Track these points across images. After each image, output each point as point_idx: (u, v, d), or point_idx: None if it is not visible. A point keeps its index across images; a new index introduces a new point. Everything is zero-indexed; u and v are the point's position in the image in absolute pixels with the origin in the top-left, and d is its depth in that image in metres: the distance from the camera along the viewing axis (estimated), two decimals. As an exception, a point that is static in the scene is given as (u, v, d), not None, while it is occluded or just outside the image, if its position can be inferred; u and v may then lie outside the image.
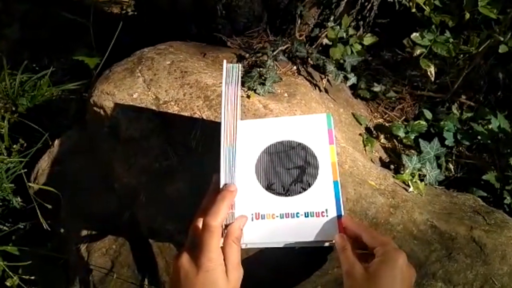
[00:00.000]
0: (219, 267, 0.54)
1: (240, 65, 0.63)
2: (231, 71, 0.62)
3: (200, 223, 0.59)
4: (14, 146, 1.16)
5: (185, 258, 0.56)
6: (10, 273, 0.99)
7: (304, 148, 0.69)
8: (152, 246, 0.82)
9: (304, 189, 0.66)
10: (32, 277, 1.00)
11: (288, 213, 0.65)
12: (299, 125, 0.71)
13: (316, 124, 0.71)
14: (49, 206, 0.94)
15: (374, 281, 0.54)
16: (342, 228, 0.63)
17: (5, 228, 1.04)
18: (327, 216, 0.64)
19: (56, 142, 1.05)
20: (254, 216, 0.64)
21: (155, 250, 0.82)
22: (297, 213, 0.65)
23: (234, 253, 0.57)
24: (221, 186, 0.58)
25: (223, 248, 0.56)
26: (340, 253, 0.59)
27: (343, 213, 0.64)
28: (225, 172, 0.58)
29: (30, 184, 1.01)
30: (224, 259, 0.55)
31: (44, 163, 1.04)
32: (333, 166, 0.68)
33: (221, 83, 0.91)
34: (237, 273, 0.56)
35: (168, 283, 0.59)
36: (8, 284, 0.99)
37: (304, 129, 0.70)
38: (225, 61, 0.63)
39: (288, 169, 0.68)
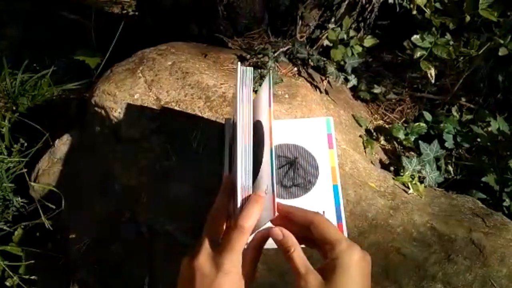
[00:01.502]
0: (239, 270, 0.52)
1: (252, 68, 0.63)
2: (245, 73, 0.61)
3: (222, 224, 0.58)
4: (15, 145, 1.16)
5: (203, 258, 0.53)
6: (10, 272, 0.99)
7: (304, 151, 0.69)
8: (152, 246, 0.82)
9: (304, 192, 0.67)
10: (32, 277, 1.00)
11: None
12: (299, 128, 0.71)
13: (316, 128, 0.71)
14: (51, 206, 0.94)
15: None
16: (342, 231, 0.64)
17: (5, 228, 1.04)
18: None
19: (57, 142, 1.05)
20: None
21: (156, 250, 0.82)
22: None
23: (255, 259, 0.55)
24: (238, 185, 0.57)
25: (243, 252, 0.55)
26: (284, 256, 0.52)
27: (342, 217, 0.64)
28: (242, 172, 0.58)
29: (30, 183, 1.01)
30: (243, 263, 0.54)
31: (44, 163, 1.04)
32: (332, 170, 0.68)
33: (222, 84, 0.91)
34: (252, 278, 0.54)
35: (179, 281, 0.57)
36: (8, 284, 0.99)
37: (304, 133, 0.71)
38: (239, 63, 0.63)
39: (288, 172, 0.68)
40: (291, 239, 0.52)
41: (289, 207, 0.56)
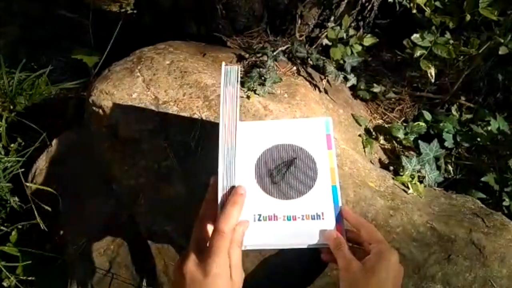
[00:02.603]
0: (226, 272, 0.54)
1: (239, 67, 0.63)
2: (229, 73, 0.62)
3: (207, 227, 0.59)
4: (12, 145, 1.15)
5: (191, 263, 0.55)
6: (8, 273, 0.98)
7: (303, 152, 0.69)
8: (150, 247, 0.82)
9: (303, 193, 0.66)
10: (30, 278, 1.00)
11: (286, 216, 0.65)
12: (298, 128, 0.71)
13: (315, 128, 0.71)
14: (47, 207, 0.94)
15: (371, 276, 0.57)
16: (340, 232, 0.64)
17: (2, 228, 1.04)
18: (325, 220, 0.64)
19: (54, 141, 1.05)
20: (253, 219, 0.64)
21: (154, 251, 0.82)
22: (296, 216, 0.65)
23: (238, 257, 0.57)
24: (219, 187, 0.57)
25: (228, 253, 0.56)
26: (335, 250, 0.61)
27: (342, 218, 0.64)
28: (223, 173, 0.58)
29: (27, 184, 1.00)
30: (229, 263, 0.55)
31: (42, 163, 1.03)
32: (331, 171, 0.68)
33: (220, 83, 0.91)
34: (240, 277, 0.57)
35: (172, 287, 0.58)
36: (5, 284, 0.98)
37: (303, 133, 0.70)
38: (223, 63, 0.63)
39: (287, 173, 0.68)
40: (341, 238, 0.62)
41: (344, 213, 0.65)
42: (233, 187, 0.59)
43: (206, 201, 0.62)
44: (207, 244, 0.56)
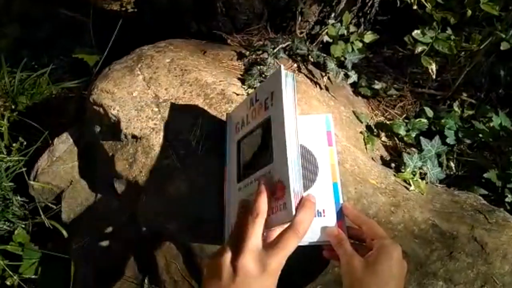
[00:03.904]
0: (279, 272, 0.54)
1: (294, 74, 0.63)
2: (287, 77, 0.61)
3: (262, 226, 0.57)
4: (14, 144, 1.16)
5: (249, 257, 0.53)
6: (10, 272, 0.98)
7: (303, 149, 0.69)
8: (152, 245, 0.82)
9: (304, 190, 0.66)
10: (33, 276, 1.00)
11: None
12: (298, 125, 0.71)
13: (315, 125, 0.71)
14: (50, 205, 0.94)
15: (373, 271, 0.57)
16: (341, 228, 0.64)
17: (5, 227, 1.04)
18: (326, 217, 0.64)
19: (56, 140, 1.05)
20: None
21: (156, 249, 0.82)
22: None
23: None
24: (291, 191, 0.56)
25: None
26: (336, 246, 0.62)
27: (343, 215, 0.64)
28: (293, 176, 0.57)
29: (30, 182, 1.01)
30: None
31: (44, 162, 1.03)
32: (332, 168, 0.68)
33: (221, 81, 0.91)
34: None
35: (210, 283, 0.56)
36: (8, 283, 0.99)
37: (304, 130, 0.70)
38: (282, 66, 0.63)
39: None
40: (343, 234, 0.63)
41: (345, 209, 0.66)
42: (301, 192, 0.58)
43: (259, 200, 0.58)
44: (268, 241, 0.56)
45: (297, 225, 0.55)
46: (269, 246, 0.54)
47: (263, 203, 0.57)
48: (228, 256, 0.54)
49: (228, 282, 0.53)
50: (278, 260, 0.53)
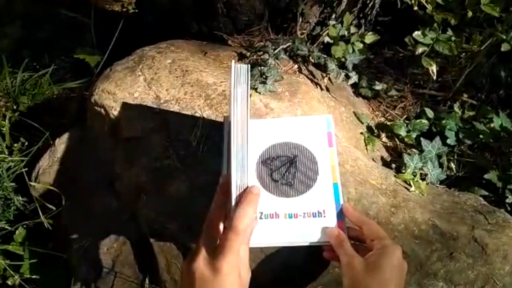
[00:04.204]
0: (236, 270, 0.54)
1: (248, 66, 0.62)
2: (240, 71, 0.61)
3: (218, 226, 0.58)
4: (15, 144, 1.16)
5: (201, 261, 0.54)
6: (12, 272, 0.99)
7: (304, 150, 0.69)
8: (153, 245, 0.82)
9: (304, 191, 0.66)
10: (34, 276, 1.00)
11: (288, 214, 0.65)
12: (299, 126, 0.71)
13: (316, 126, 0.71)
14: (50, 206, 0.94)
15: (374, 271, 0.57)
16: (342, 229, 0.64)
17: (6, 227, 1.04)
18: (326, 217, 0.65)
19: (57, 141, 1.05)
20: (256, 217, 0.64)
21: (156, 249, 0.82)
22: (297, 214, 0.65)
23: (247, 255, 0.57)
24: (232, 186, 0.57)
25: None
26: (337, 247, 0.61)
27: (343, 216, 0.65)
28: (236, 172, 0.57)
29: (31, 183, 1.01)
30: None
31: (45, 162, 1.03)
32: (332, 169, 0.68)
33: (222, 81, 0.91)
34: (248, 274, 0.57)
35: (181, 285, 0.57)
36: (9, 283, 0.99)
37: (304, 131, 0.70)
38: (233, 61, 0.63)
39: (288, 171, 0.68)
40: (343, 235, 0.63)
41: (345, 210, 0.65)
42: (246, 186, 0.58)
43: (215, 200, 0.61)
44: (217, 242, 0.56)
45: (234, 222, 0.54)
46: (217, 248, 0.55)
47: (213, 203, 0.59)
48: (186, 262, 0.56)
49: (188, 283, 0.55)
50: (227, 260, 0.53)
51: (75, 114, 1.25)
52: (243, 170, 0.57)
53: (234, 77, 0.60)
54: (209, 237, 0.58)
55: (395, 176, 0.89)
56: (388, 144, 1.03)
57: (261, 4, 1.06)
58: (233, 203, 0.56)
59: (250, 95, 0.88)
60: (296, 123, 0.72)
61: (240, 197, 0.57)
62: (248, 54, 1.02)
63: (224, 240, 0.54)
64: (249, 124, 0.71)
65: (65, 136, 1.05)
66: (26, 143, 1.17)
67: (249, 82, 0.61)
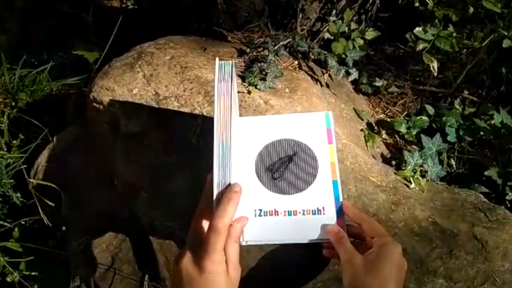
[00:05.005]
0: (222, 268, 0.54)
1: (233, 61, 0.62)
2: (223, 67, 0.61)
3: (203, 224, 0.59)
4: (14, 141, 1.16)
5: (187, 260, 0.55)
6: (11, 269, 0.99)
7: (303, 147, 0.69)
8: (152, 243, 0.82)
9: (304, 188, 0.66)
10: (33, 273, 1.00)
11: (287, 211, 0.65)
12: (298, 123, 0.71)
13: (315, 123, 0.70)
14: (50, 203, 0.94)
15: (374, 269, 0.57)
16: (341, 226, 0.63)
17: (5, 224, 1.04)
18: (326, 214, 0.64)
19: (56, 137, 1.05)
20: (254, 214, 0.64)
21: (155, 246, 0.82)
22: (296, 211, 0.65)
23: (235, 253, 0.57)
24: (214, 184, 0.57)
25: (224, 248, 0.55)
26: (337, 244, 0.61)
27: (343, 213, 0.64)
28: (218, 169, 0.57)
29: (30, 179, 1.01)
30: (226, 260, 0.55)
31: (44, 159, 1.03)
32: (332, 165, 0.67)
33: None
34: (237, 273, 0.57)
35: (170, 284, 0.58)
36: (8, 280, 0.99)
37: (303, 127, 0.70)
38: (217, 58, 0.63)
39: (287, 168, 0.67)
40: (343, 232, 0.62)
41: (345, 208, 0.65)
42: (228, 184, 0.58)
43: (202, 198, 0.62)
44: (203, 241, 0.56)
45: (214, 221, 0.54)
46: (201, 247, 0.55)
47: (200, 201, 0.60)
48: (175, 261, 0.57)
49: (177, 283, 0.55)
50: (212, 260, 0.53)
51: (74, 111, 1.24)
52: (224, 168, 0.57)
53: (218, 74, 0.60)
54: (195, 236, 0.58)
55: (395, 173, 0.89)
56: (388, 141, 1.02)
57: (261, 0, 1.05)
58: (215, 201, 0.56)
59: (249, 92, 0.88)
60: (296, 119, 0.72)
61: (221, 196, 0.57)
62: (248, 50, 1.02)
63: (207, 239, 0.54)
64: (246, 121, 0.71)
65: (64, 133, 1.05)
66: (25, 140, 1.16)
67: (235, 78, 0.61)
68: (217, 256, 0.54)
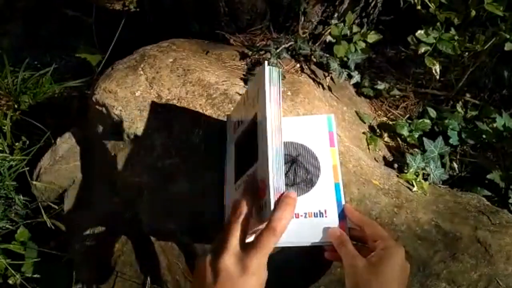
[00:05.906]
0: (264, 273, 0.54)
1: (280, 70, 0.62)
2: (272, 72, 0.60)
3: (247, 224, 0.57)
4: (17, 143, 1.16)
5: (230, 259, 0.53)
6: (13, 271, 0.99)
7: (305, 149, 0.69)
8: (154, 245, 0.82)
9: (306, 191, 0.66)
10: (35, 275, 1.00)
11: None
12: (300, 126, 0.71)
13: (317, 126, 0.70)
14: (52, 205, 0.94)
15: (376, 272, 0.57)
16: (343, 229, 0.63)
17: (8, 226, 1.04)
18: (328, 217, 0.64)
19: (59, 140, 1.05)
20: None
21: (158, 249, 0.82)
22: (298, 214, 0.65)
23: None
24: (271, 188, 0.55)
25: None
26: (339, 247, 0.61)
27: (345, 215, 0.64)
28: (275, 175, 0.56)
29: (32, 182, 1.01)
30: None
31: (46, 161, 1.03)
32: (334, 168, 0.67)
33: (223, 81, 0.90)
34: (266, 276, 0.55)
35: (197, 283, 0.56)
36: (10, 282, 0.99)
37: (306, 130, 0.70)
38: (266, 62, 0.62)
39: (289, 170, 0.68)
40: (345, 235, 0.63)
41: (347, 211, 0.65)
42: (281, 189, 0.57)
43: (243, 198, 0.58)
44: (247, 242, 0.55)
45: (273, 223, 0.54)
46: (248, 246, 0.54)
47: (244, 203, 0.57)
48: (210, 258, 0.55)
49: (211, 284, 0.53)
50: (258, 260, 0.52)
51: (77, 113, 1.25)
52: (279, 173, 0.57)
53: (268, 78, 0.59)
54: (239, 236, 0.55)
55: (397, 176, 0.89)
56: (391, 144, 1.02)
57: (263, 3, 1.06)
58: (272, 205, 0.55)
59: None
60: (298, 122, 0.72)
61: (277, 200, 0.56)
62: (250, 53, 1.02)
63: (260, 239, 0.53)
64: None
65: (67, 135, 1.05)
66: (28, 142, 1.17)
67: (281, 84, 0.60)
68: (264, 259, 0.53)
